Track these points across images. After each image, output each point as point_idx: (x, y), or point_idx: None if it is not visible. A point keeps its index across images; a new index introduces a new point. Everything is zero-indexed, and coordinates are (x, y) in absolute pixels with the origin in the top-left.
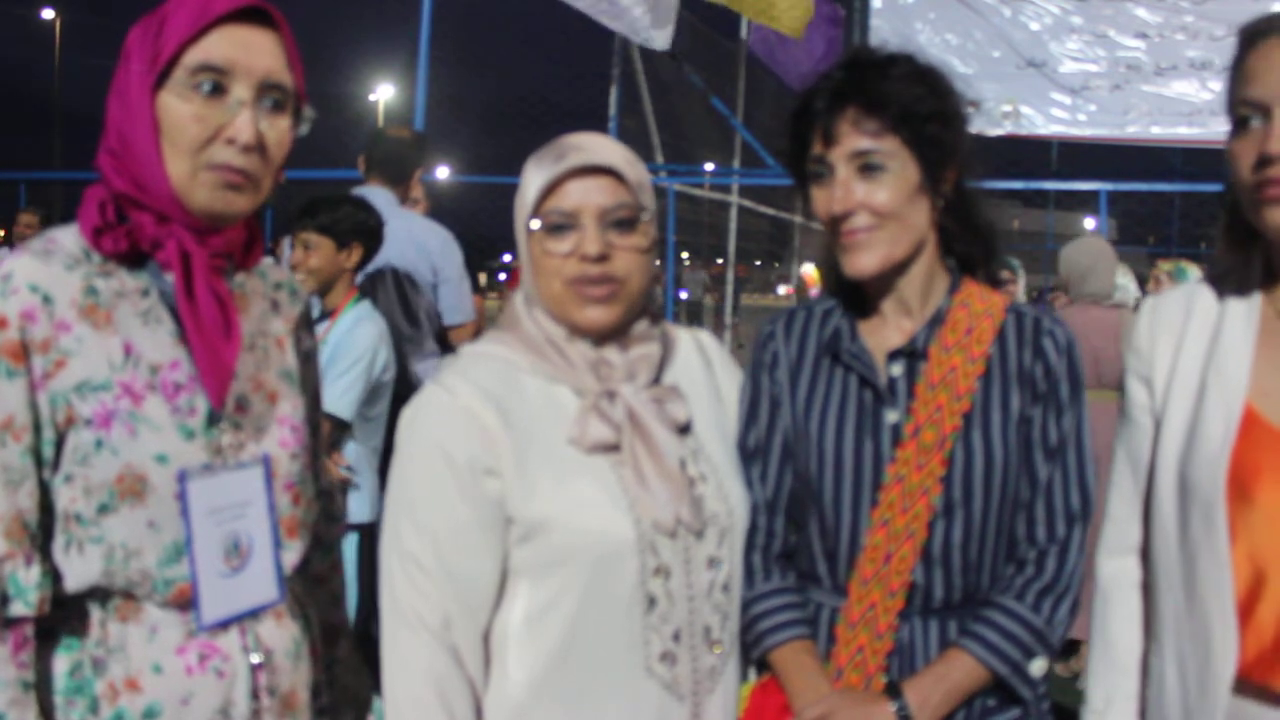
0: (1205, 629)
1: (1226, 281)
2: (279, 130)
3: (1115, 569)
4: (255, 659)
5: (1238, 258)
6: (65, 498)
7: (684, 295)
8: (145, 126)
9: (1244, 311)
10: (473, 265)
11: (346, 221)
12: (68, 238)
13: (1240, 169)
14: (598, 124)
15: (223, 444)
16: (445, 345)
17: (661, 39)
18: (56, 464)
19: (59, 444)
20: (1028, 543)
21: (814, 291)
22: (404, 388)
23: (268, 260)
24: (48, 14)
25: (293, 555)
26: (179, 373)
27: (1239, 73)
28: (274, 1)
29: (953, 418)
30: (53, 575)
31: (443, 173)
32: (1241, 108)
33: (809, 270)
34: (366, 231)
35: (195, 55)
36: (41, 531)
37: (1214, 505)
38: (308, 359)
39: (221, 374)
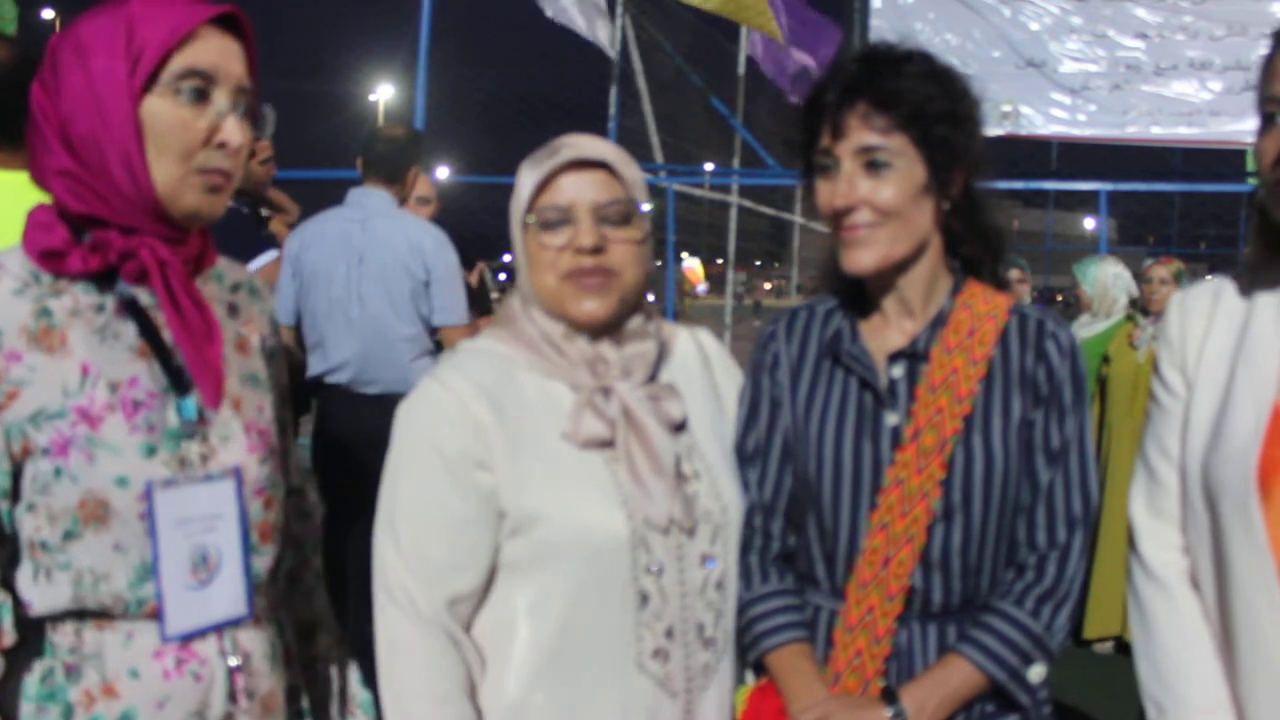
0: (1250, 621)
1: (1256, 277)
2: (248, 134)
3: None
4: (233, 662)
5: (1267, 254)
6: (30, 526)
7: None
8: (128, 131)
9: (1274, 306)
10: (472, 265)
11: None
12: (13, 261)
13: (1264, 164)
14: (598, 124)
15: (188, 456)
16: (439, 346)
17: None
18: (17, 494)
19: (17, 474)
20: (1028, 547)
21: (700, 288)
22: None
23: (224, 260)
24: (48, 14)
25: (267, 560)
26: (138, 389)
27: (1268, 70)
28: (277, 1)
29: (953, 421)
30: (12, 603)
31: (443, 173)
32: (1268, 104)
33: (691, 264)
34: None
35: (182, 60)
36: (6, 562)
37: (1247, 500)
38: (272, 357)
39: (213, 375)
